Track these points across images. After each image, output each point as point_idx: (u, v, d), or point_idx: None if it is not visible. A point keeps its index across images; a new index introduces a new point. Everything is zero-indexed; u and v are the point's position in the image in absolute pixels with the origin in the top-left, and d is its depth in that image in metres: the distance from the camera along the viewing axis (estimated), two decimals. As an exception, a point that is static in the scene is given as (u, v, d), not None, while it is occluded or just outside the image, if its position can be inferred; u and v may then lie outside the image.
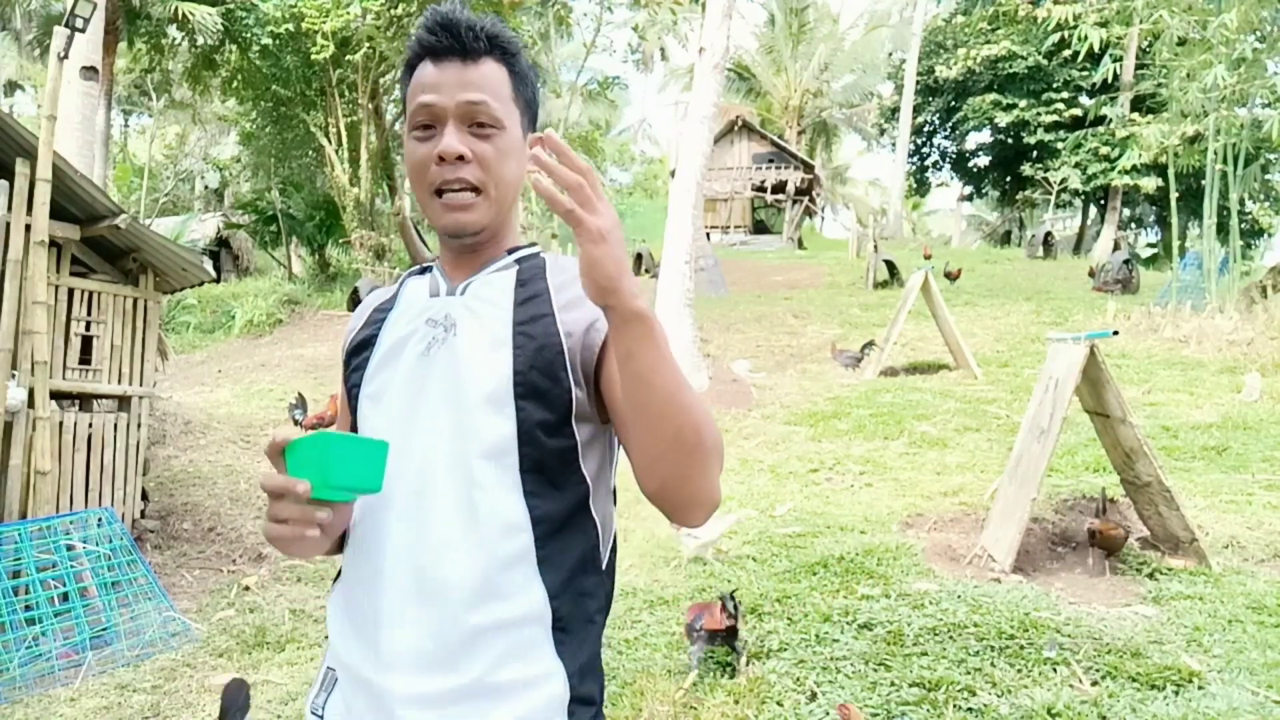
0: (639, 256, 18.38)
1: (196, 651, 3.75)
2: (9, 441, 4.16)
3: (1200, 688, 2.87)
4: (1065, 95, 23.23)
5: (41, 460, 4.15)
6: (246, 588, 4.57)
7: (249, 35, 14.19)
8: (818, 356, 10.12)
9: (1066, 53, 17.41)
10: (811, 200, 29.89)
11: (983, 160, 28.49)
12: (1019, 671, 3.04)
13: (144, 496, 5.27)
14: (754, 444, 7.06)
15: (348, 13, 13.05)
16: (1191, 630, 3.35)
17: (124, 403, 5.05)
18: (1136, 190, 22.30)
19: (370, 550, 1.01)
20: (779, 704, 2.91)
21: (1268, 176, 21.61)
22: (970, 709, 2.80)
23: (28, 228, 4.15)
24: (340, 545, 1.08)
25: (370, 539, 1.01)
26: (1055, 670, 3.02)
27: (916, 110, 27.15)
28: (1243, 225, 18.90)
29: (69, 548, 4.05)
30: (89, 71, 9.33)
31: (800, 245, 28.17)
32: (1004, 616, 3.47)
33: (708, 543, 4.42)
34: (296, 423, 7.20)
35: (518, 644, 0.96)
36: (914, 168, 29.84)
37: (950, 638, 3.31)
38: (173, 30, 14.82)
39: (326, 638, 1.06)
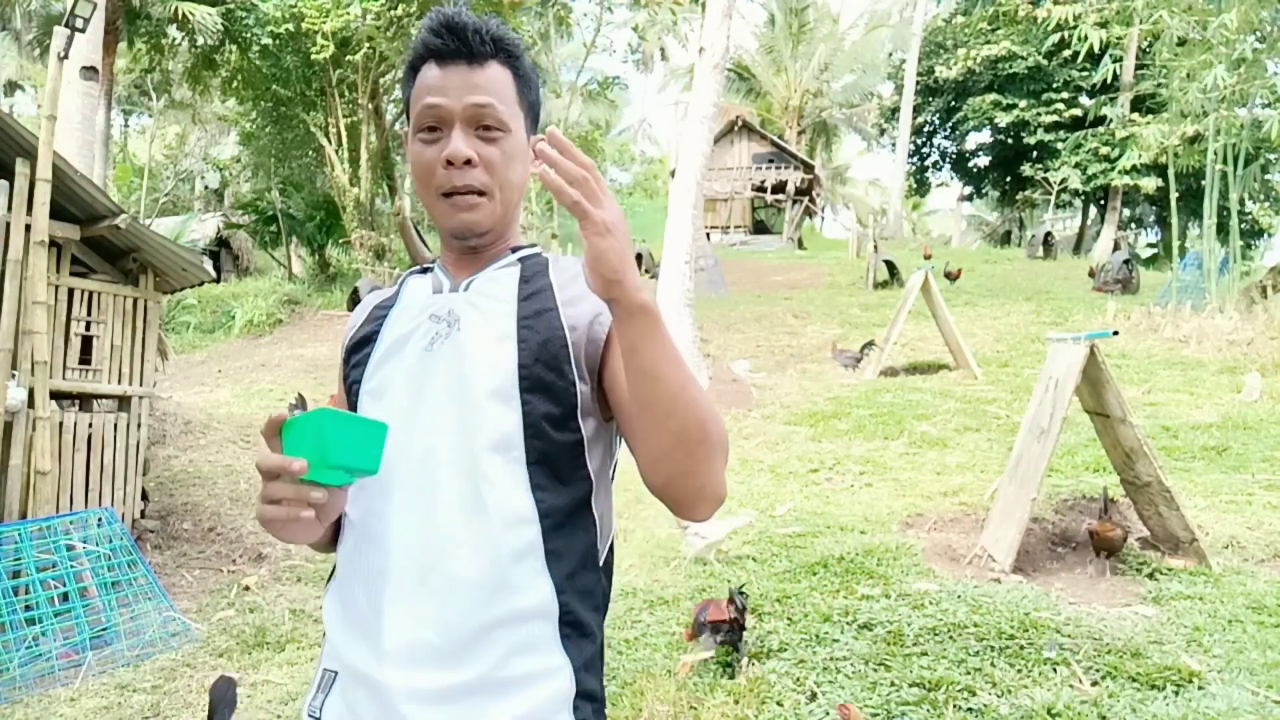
0: (639, 256, 18.37)
1: (196, 651, 3.75)
2: (9, 441, 4.16)
3: (1200, 688, 2.87)
4: (1065, 95, 23.25)
5: (41, 460, 4.15)
6: (246, 588, 4.57)
7: (249, 35, 14.20)
8: (818, 356, 10.12)
9: (1066, 53, 17.41)
10: (811, 200, 29.90)
11: (983, 160, 28.50)
12: (1019, 671, 3.04)
13: (144, 496, 5.27)
14: (754, 444, 7.06)
15: (348, 13, 13.06)
16: (1191, 630, 3.34)
17: (124, 403, 5.05)
18: (1136, 190, 22.31)
19: (372, 545, 1.00)
20: (779, 704, 2.90)
21: (1268, 176, 21.61)
22: (970, 709, 2.80)
23: (28, 228, 4.15)
24: (333, 540, 1.08)
25: (371, 534, 1.01)
26: (1055, 670, 3.02)
27: (916, 110, 27.15)
28: (1243, 225, 18.90)
29: (69, 548, 4.05)
30: (89, 71, 9.33)
31: (800, 245, 28.18)
32: (1004, 616, 3.47)
33: (713, 543, 4.41)
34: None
35: (525, 638, 0.95)
36: (914, 168, 29.85)
37: (950, 638, 3.31)
38: (173, 30, 14.82)
39: (325, 636, 1.06)
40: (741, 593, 3.17)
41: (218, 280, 8.35)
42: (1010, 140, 25.30)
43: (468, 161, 1.02)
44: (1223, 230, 12.57)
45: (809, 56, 31.68)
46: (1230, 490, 5.20)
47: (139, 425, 5.06)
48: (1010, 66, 23.42)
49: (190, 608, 4.30)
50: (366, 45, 13.72)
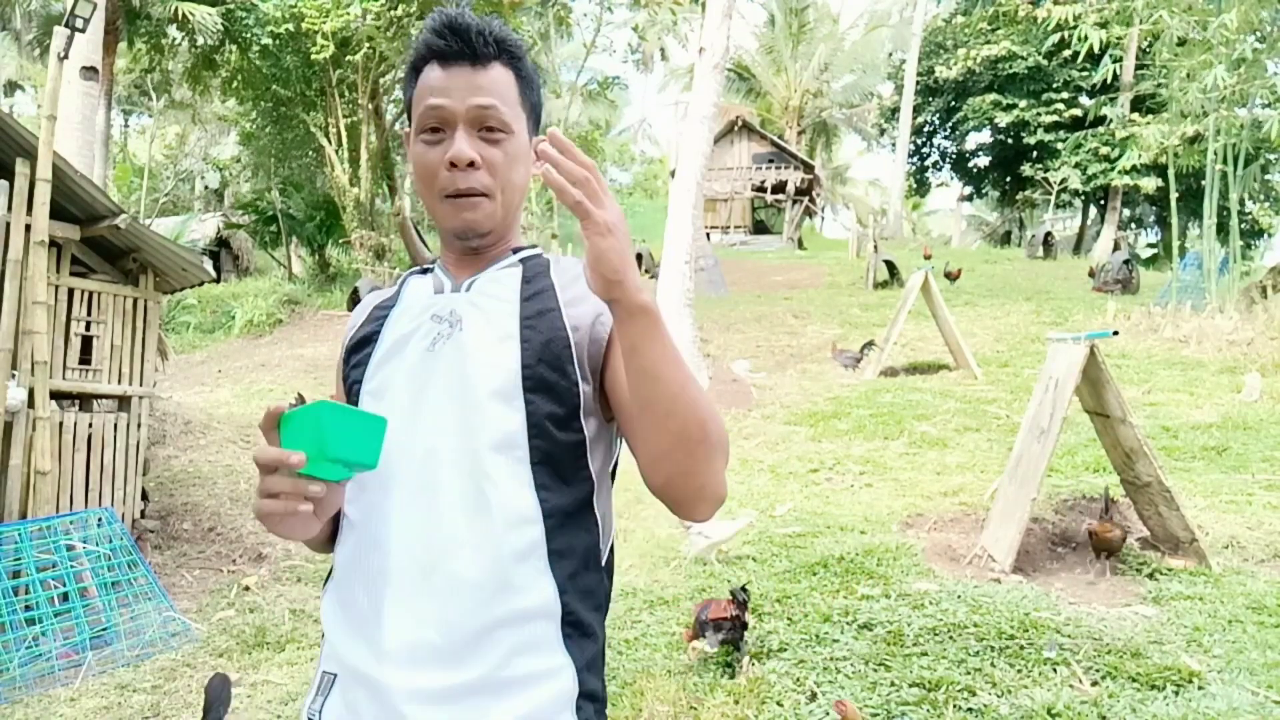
0: (639, 256, 18.37)
1: (196, 651, 3.75)
2: (9, 441, 4.16)
3: (1200, 688, 2.87)
4: (1065, 95, 23.24)
5: (41, 460, 4.15)
6: (246, 588, 4.57)
7: (249, 35, 14.20)
8: (818, 356, 10.12)
9: (1066, 53, 17.40)
10: (811, 200, 29.90)
11: (983, 160, 28.50)
12: (1019, 672, 3.04)
13: (144, 496, 5.27)
14: (754, 444, 7.06)
15: (348, 13, 13.07)
16: (1191, 630, 3.35)
17: (124, 403, 5.05)
18: (1136, 190, 22.31)
19: (372, 546, 1.00)
20: (779, 704, 2.91)
21: (1268, 176, 21.62)
22: (970, 709, 2.80)
23: (28, 228, 4.15)
24: (330, 539, 1.08)
25: (372, 534, 1.00)
26: (1055, 670, 3.02)
27: (916, 110, 27.15)
28: (1243, 225, 18.90)
29: (69, 548, 4.05)
30: (89, 71, 9.33)
31: (800, 245, 28.18)
32: (1004, 616, 3.47)
33: (715, 543, 4.40)
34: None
35: (528, 639, 0.95)
36: (914, 168, 29.85)
37: (950, 638, 3.31)
38: (173, 30, 14.83)
39: (324, 638, 1.05)
40: (744, 591, 3.17)
41: (218, 280, 8.36)
42: (1010, 140, 25.30)
43: (471, 163, 1.02)
44: (1223, 230, 12.57)
45: (809, 56, 31.68)
46: (1230, 490, 5.20)
47: (139, 425, 5.06)
48: (1010, 66, 23.42)
49: (190, 608, 4.30)
50: (366, 45, 13.73)
